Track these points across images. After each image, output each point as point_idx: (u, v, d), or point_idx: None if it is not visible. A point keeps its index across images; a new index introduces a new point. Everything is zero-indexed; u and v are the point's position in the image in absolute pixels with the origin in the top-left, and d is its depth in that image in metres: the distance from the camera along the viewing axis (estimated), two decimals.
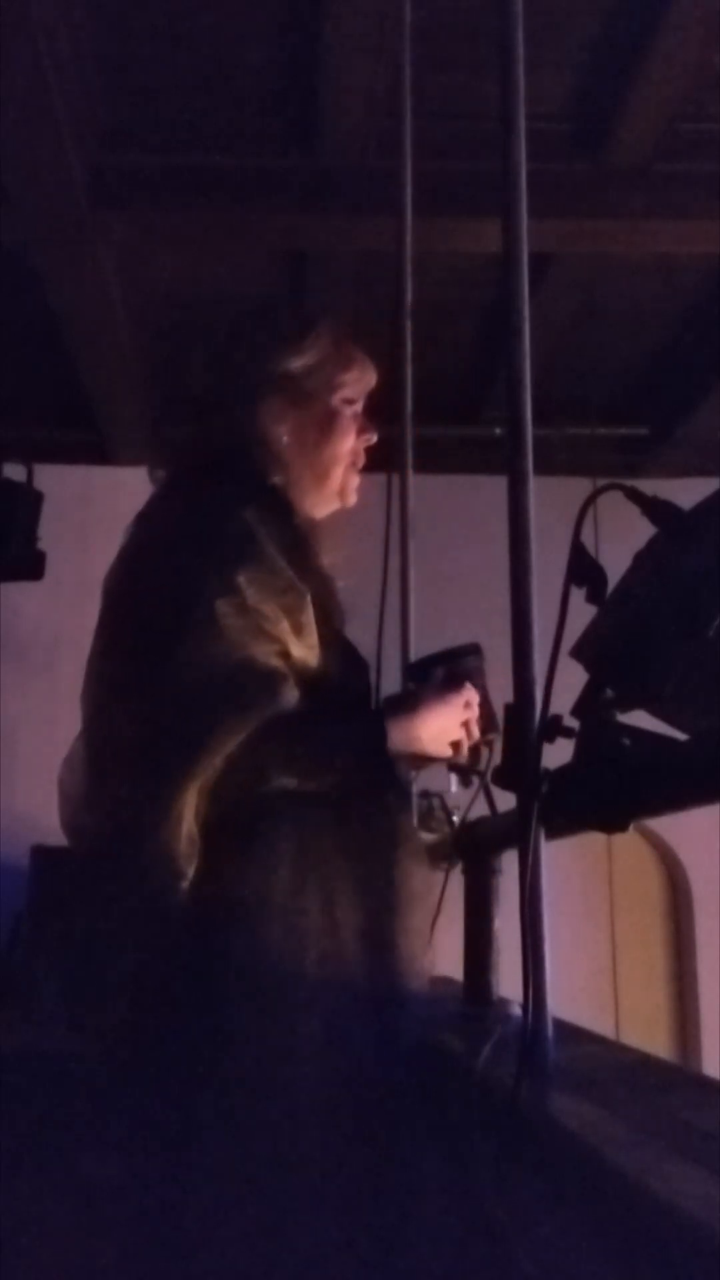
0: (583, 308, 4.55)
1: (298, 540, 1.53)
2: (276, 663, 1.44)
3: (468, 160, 3.24)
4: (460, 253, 3.77)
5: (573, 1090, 1.18)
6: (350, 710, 1.56)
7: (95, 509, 5.37)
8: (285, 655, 1.46)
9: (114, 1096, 1.36)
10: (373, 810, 1.48)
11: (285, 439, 1.61)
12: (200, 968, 1.36)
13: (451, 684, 1.53)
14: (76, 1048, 1.42)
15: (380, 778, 1.49)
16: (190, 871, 1.35)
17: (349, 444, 1.66)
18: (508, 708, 1.38)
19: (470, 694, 1.53)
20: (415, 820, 2.07)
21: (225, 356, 1.71)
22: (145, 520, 1.58)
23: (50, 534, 4.72)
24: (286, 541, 1.50)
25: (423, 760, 1.56)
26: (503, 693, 1.41)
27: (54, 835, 1.54)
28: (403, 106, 2.76)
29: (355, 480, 1.69)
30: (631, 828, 1.22)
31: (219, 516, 1.50)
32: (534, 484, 1.42)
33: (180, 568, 1.47)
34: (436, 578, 2.84)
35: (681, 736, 1.23)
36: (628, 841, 5.08)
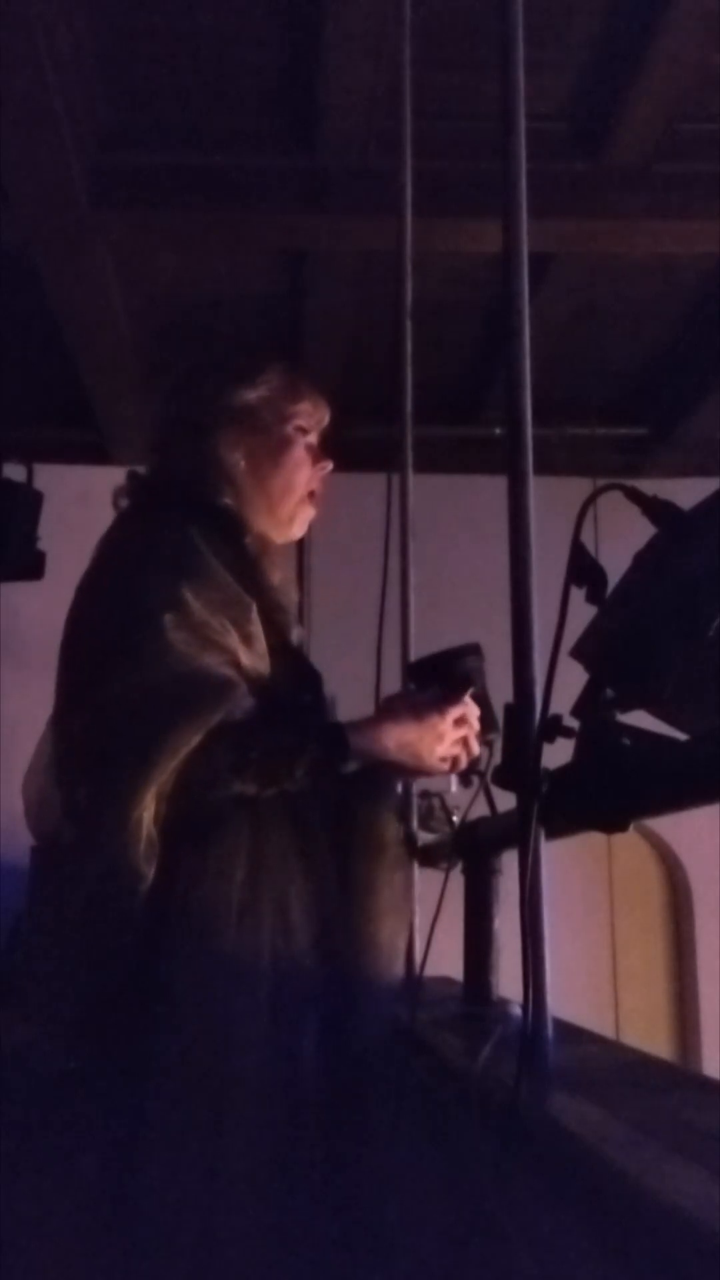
0: (583, 308, 4.55)
1: (244, 556, 1.59)
2: (228, 672, 1.48)
3: (468, 160, 3.25)
4: (460, 253, 3.77)
5: (573, 1090, 1.18)
6: (306, 717, 1.58)
7: (95, 509, 5.33)
8: (236, 665, 1.49)
9: (69, 1098, 1.38)
10: (332, 817, 1.50)
11: (241, 464, 1.67)
12: (153, 971, 1.38)
13: (445, 698, 1.54)
14: (55, 1046, 1.43)
15: (340, 784, 1.50)
16: (150, 874, 1.39)
17: (304, 473, 1.72)
18: (508, 708, 1.38)
19: (468, 709, 1.53)
20: (412, 825, 2.08)
21: (181, 391, 1.77)
22: (103, 541, 1.64)
23: (50, 534, 4.72)
24: (231, 557, 1.55)
25: (413, 771, 1.57)
26: (503, 693, 1.41)
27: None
28: (403, 106, 2.76)
29: (308, 513, 1.75)
30: (631, 828, 1.22)
31: (164, 534, 1.55)
32: (534, 484, 1.42)
33: (126, 585, 1.53)
34: (436, 578, 2.84)
35: (681, 736, 1.23)
36: (628, 841, 5.09)
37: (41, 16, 3.09)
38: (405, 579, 2.57)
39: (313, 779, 1.47)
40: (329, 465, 1.76)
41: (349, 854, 1.51)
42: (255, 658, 1.53)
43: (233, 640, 1.50)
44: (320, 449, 1.76)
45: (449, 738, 1.52)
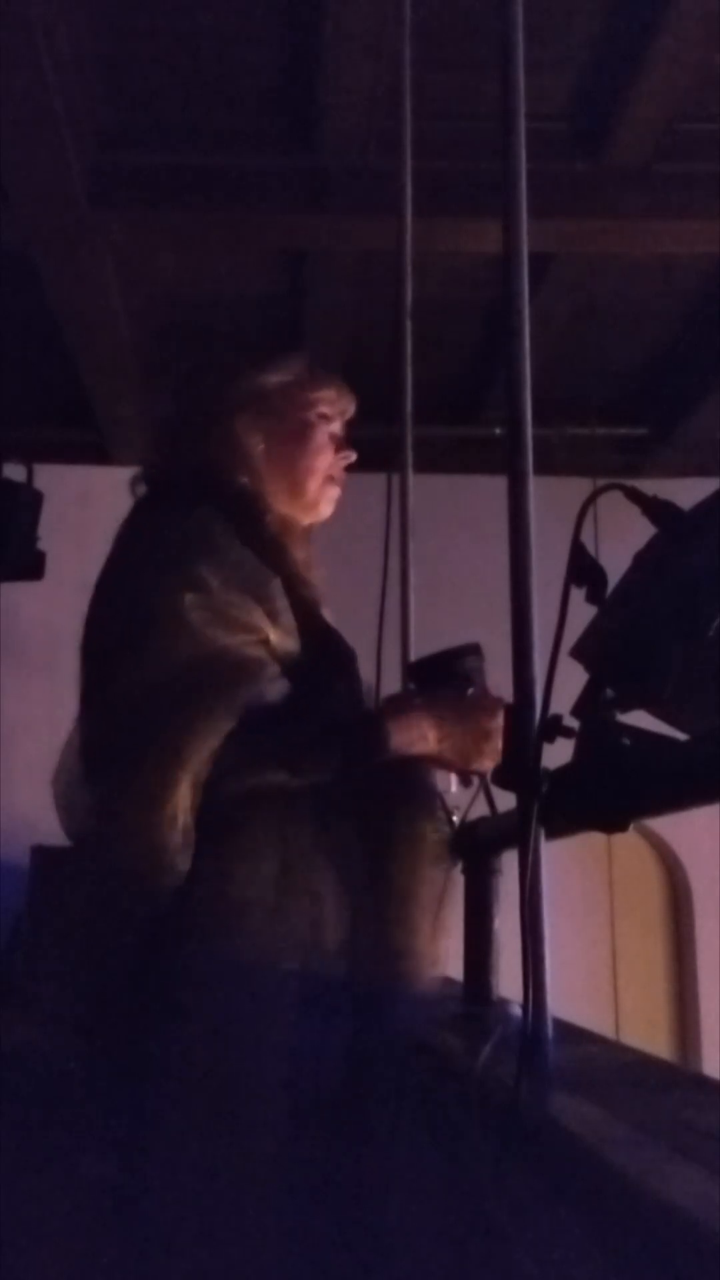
0: (583, 308, 4.55)
1: (263, 533, 1.55)
2: (255, 651, 1.44)
3: (468, 160, 3.25)
4: (460, 253, 3.77)
5: (573, 1090, 1.18)
6: (341, 704, 1.55)
7: (95, 509, 5.36)
8: (264, 643, 1.46)
9: (94, 1094, 1.37)
10: (376, 808, 1.47)
11: (260, 446, 1.65)
12: (178, 967, 1.36)
13: (487, 696, 1.52)
14: (72, 1046, 1.42)
15: (376, 776, 1.48)
16: (184, 866, 1.35)
17: (325, 459, 1.70)
18: (508, 708, 1.38)
19: (498, 710, 1.50)
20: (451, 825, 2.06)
21: (200, 377, 1.76)
22: (122, 528, 1.61)
23: (50, 534, 4.72)
24: (249, 534, 1.52)
25: (453, 768, 1.54)
26: (503, 693, 1.41)
27: (54, 835, 1.55)
28: (403, 106, 2.76)
29: (333, 493, 1.72)
30: (631, 828, 1.22)
31: (175, 517, 1.53)
32: (534, 484, 1.42)
33: (140, 571, 1.50)
34: (436, 578, 2.84)
35: (681, 736, 1.23)
36: (628, 841, 5.09)
37: (41, 16, 3.09)
38: (405, 579, 2.56)
39: (347, 770, 1.43)
40: (352, 455, 1.73)
41: (385, 854, 1.47)
42: (283, 635, 1.49)
43: (258, 618, 1.46)
44: (345, 438, 1.73)
45: (495, 736, 1.49)
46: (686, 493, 1.31)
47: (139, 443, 5.39)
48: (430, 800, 1.57)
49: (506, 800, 1.43)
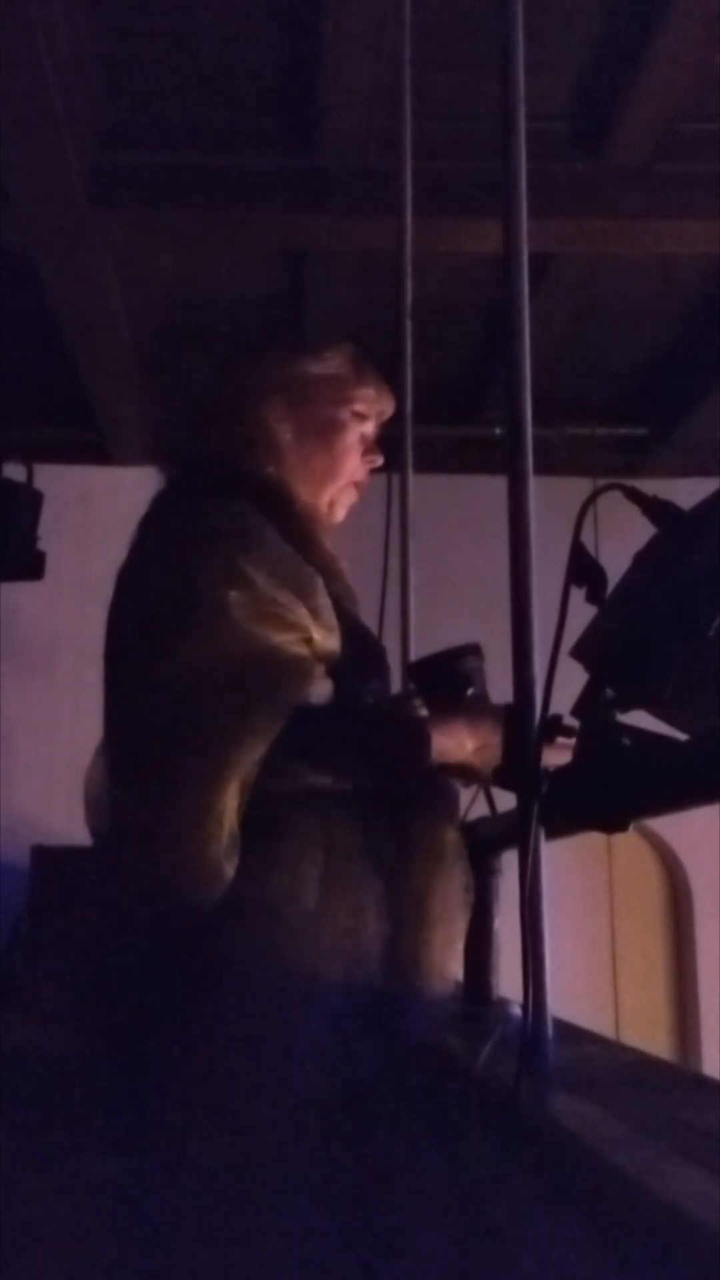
0: (583, 308, 4.55)
1: (297, 525, 1.50)
2: (301, 650, 1.40)
3: (468, 160, 3.25)
4: (460, 253, 3.78)
5: (573, 1090, 1.18)
6: (384, 706, 1.51)
7: (95, 509, 5.37)
8: (308, 641, 1.41)
9: (127, 1095, 1.32)
10: (403, 814, 1.44)
11: (288, 436, 1.58)
12: (214, 974, 1.31)
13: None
14: (79, 1047, 1.40)
15: (416, 782, 1.45)
16: (231, 871, 1.30)
17: (351, 462, 1.64)
18: (508, 708, 1.38)
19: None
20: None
21: (233, 357, 1.68)
22: (144, 522, 1.55)
23: (50, 534, 4.72)
24: (285, 527, 1.46)
25: (476, 776, 1.51)
26: (503, 693, 1.41)
27: (54, 835, 1.54)
28: (403, 106, 2.76)
29: (351, 497, 1.66)
30: (631, 828, 1.22)
31: (211, 507, 1.46)
32: (534, 484, 1.42)
33: (181, 563, 1.43)
34: (436, 578, 2.84)
35: (681, 736, 1.23)
36: (628, 841, 5.09)
37: (41, 16, 3.09)
38: (405, 579, 2.56)
39: (387, 774, 1.41)
40: (379, 459, 1.67)
41: (405, 858, 1.43)
42: (325, 633, 1.43)
43: (302, 616, 1.41)
44: (376, 441, 1.67)
45: (558, 753, 1.40)
46: (686, 493, 1.31)
47: (139, 443, 5.40)
48: (453, 804, 1.53)
49: (507, 800, 1.43)
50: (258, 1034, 1.31)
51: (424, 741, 1.43)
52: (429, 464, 2.84)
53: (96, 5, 3.31)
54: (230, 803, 1.31)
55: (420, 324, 2.65)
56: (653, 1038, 5.15)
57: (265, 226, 4.10)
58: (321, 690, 1.39)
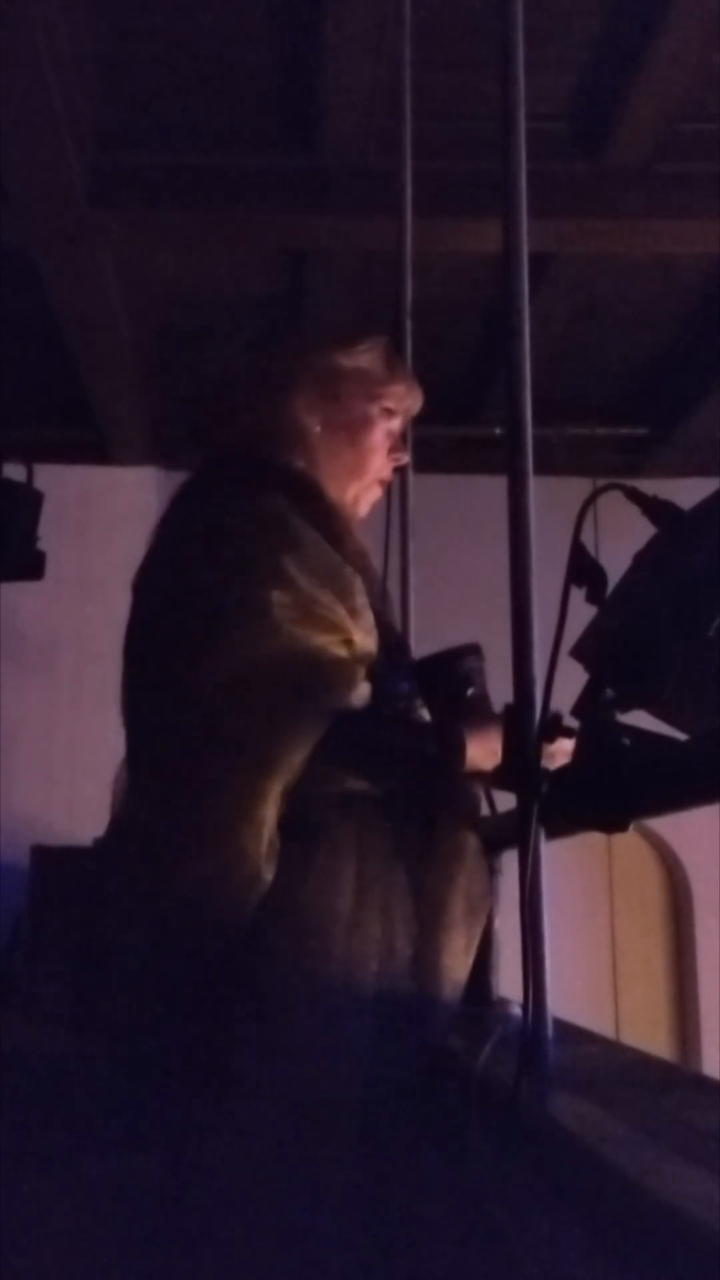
0: (583, 308, 4.55)
1: (329, 521, 1.46)
2: (342, 652, 1.37)
3: (468, 160, 3.25)
4: (460, 253, 3.77)
5: (573, 1090, 1.18)
6: (419, 712, 1.48)
7: (95, 509, 5.38)
8: (348, 643, 1.38)
9: (166, 1096, 1.29)
10: (429, 818, 1.42)
11: (316, 429, 1.55)
12: (248, 978, 1.29)
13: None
14: (85, 1047, 1.38)
15: (448, 789, 1.43)
16: (269, 876, 1.28)
17: (378, 459, 1.61)
18: (508, 708, 1.38)
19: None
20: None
21: (263, 346, 1.66)
22: (172, 514, 1.50)
23: (50, 534, 4.72)
24: (320, 524, 1.43)
25: (502, 783, 1.47)
26: (503, 693, 1.41)
27: (54, 835, 1.53)
28: (403, 106, 2.76)
29: (375, 495, 1.64)
30: (631, 828, 1.22)
31: (247, 501, 1.42)
32: (534, 484, 1.42)
33: (220, 559, 1.38)
34: (436, 578, 2.83)
35: (681, 736, 1.23)
36: (628, 841, 5.09)
37: (41, 16, 3.09)
38: (405, 579, 2.56)
39: (420, 780, 1.39)
40: (405, 457, 1.65)
41: (429, 863, 1.41)
42: (363, 634, 1.40)
43: (342, 616, 1.37)
44: (402, 438, 1.64)
45: (559, 758, 1.39)
46: (686, 493, 1.31)
47: (139, 443, 5.40)
48: (475, 808, 1.51)
49: (507, 800, 1.43)
50: (293, 1038, 1.28)
51: (461, 748, 1.41)
52: (429, 464, 2.83)
53: (96, 5, 3.31)
54: (271, 809, 1.28)
55: (420, 324, 2.64)
56: (653, 1038, 5.15)
57: (265, 226, 4.10)
58: (361, 693, 1.37)
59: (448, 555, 4.00)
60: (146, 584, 1.47)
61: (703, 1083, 1.39)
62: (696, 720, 1.22)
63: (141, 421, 5.26)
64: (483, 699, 1.57)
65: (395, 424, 1.63)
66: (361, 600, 1.41)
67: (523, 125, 1.53)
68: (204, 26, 3.43)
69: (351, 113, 3.56)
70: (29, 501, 4.69)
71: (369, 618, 1.42)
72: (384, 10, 3.00)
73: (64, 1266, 1.45)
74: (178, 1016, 1.30)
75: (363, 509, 1.64)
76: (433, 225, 3.06)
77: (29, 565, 4.68)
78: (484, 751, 1.42)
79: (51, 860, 4.30)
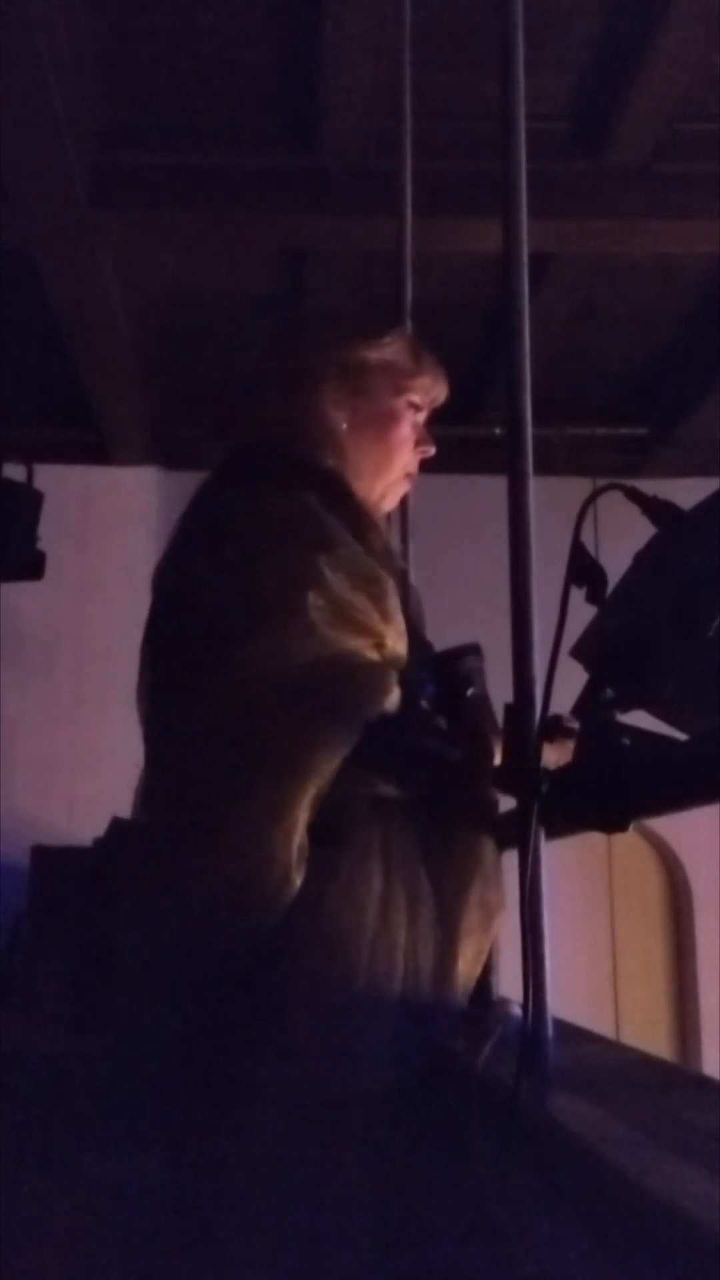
0: (583, 308, 4.55)
1: (361, 521, 1.43)
2: (376, 656, 1.35)
3: (468, 160, 3.25)
4: (460, 253, 3.77)
5: (573, 1090, 1.18)
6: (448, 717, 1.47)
7: (95, 509, 5.38)
8: (380, 646, 1.36)
9: (193, 1102, 1.27)
10: (452, 826, 1.41)
11: (343, 425, 1.52)
12: (269, 984, 1.27)
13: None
14: (85, 1047, 1.38)
15: (468, 794, 1.42)
16: (298, 882, 1.26)
17: (405, 454, 1.60)
18: (508, 708, 1.38)
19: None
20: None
21: (289, 340, 1.65)
22: (198, 510, 1.46)
23: (50, 534, 4.72)
24: (351, 523, 1.40)
25: None
26: (503, 693, 1.41)
27: (54, 835, 1.53)
28: (403, 106, 2.76)
29: (402, 488, 1.63)
30: (631, 828, 1.22)
31: (280, 501, 1.39)
32: (534, 484, 1.42)
33: (254, 559, 1.36)
34: (436, 578, 2.83)
35: (681, 736, 1.23)
36: (628, 841, 5.09)
37: (41, 16, 3.09)
38: (405, 579, 2.56)
39: (444, 785, 1.37)
40: (431, 449, 1.62)
41: (448, 868, 1.39)
42: (395, 637, 1.38)
43: (375, 620, 1.35)
44: (427, 428, 1.62)
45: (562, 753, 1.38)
46: (686, 493, 1.31)
47: (139, 443, 5.40)
48: (492, 814, 1.49)
49: (506, 800, 1.42)
50: (313, 1041, 1.27)
51: (489, 754, 1.41)
52: (429, 464, 2.83)
53: (96, 5, 3.31)
54: (302, 814, 1.26)
55: (420, 324, 2.64)
56: (653, 1038, 5.15)
57: (265, 226, 4.10)
58: (392, 698, 1.35)
59: (448, 555, 3.99)
60: (172, 581, 1.44)
61: (703, 1083, 1.39)
62: (696, 720, 1.22)
63: (141, 421, 5.26)
64: (483, 699, 1.57)
65: (421, 417, 1.61)
66: (393, 602, 1.39)
67: (523, 125, 1.53)
68: (204, 26, 3.43)
69: (351, 113, 3.57)
70: (29, 501, 4.69)
71: (400, 620, 1.40)
72: (384, 10, 3.00)
73: (64, 1267, 1.45)
74: (200, 1017, 1.28)
75: (389, 504, 1.63)
76: (433, 225, 3.06)
77: (29, 565, 4.68)
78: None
79: (51, 860, 4.30)
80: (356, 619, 1.34)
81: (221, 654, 1.32)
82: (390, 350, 1.58)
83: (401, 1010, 1.31)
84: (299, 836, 1.26)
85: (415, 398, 1.60)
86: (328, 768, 1.28)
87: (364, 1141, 1.27)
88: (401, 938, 1.33)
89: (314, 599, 1.30)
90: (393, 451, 1.58)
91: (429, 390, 1.62)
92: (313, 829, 1.29)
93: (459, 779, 1.38)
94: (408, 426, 1.59)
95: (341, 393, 1.53)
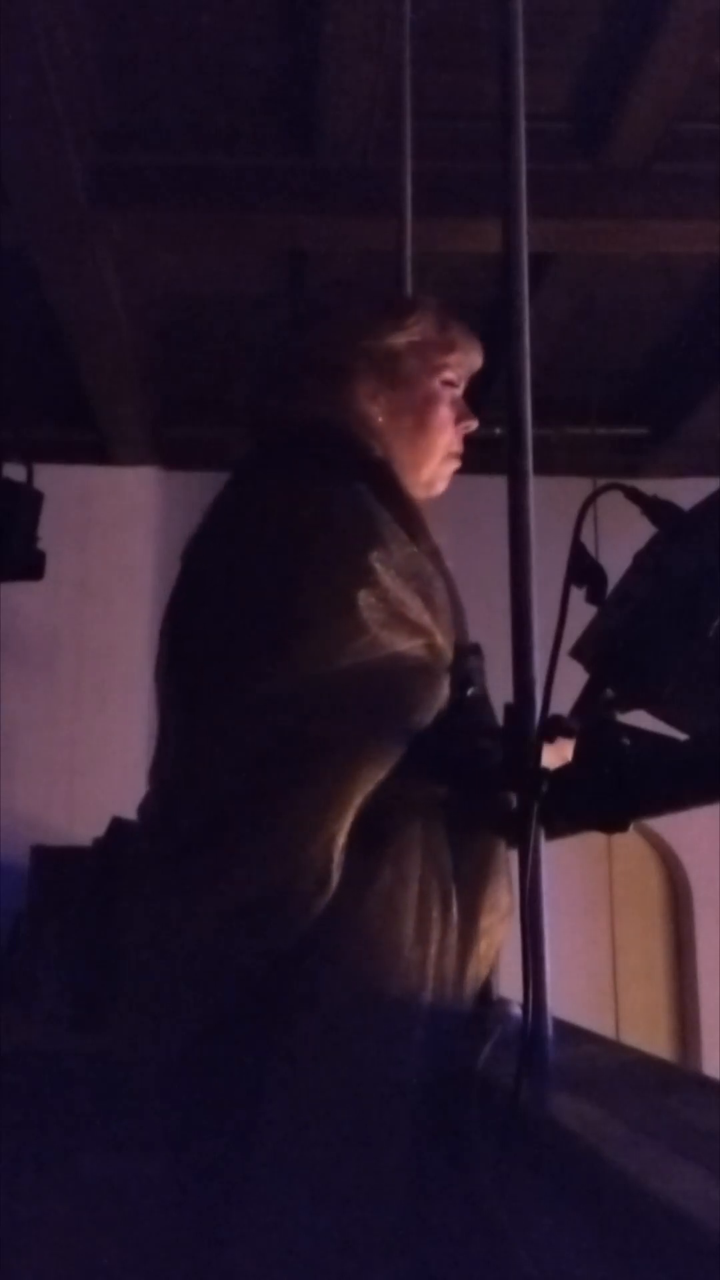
0: (583, 308, 4.55)
1: (410, 517, 1.39)
2: (427, 657, 1.31)
3: (468, 160, 3.25)
4: (460, 253, 3.77)
5: (573, 1090, 1.18)
6: (488, 720, 1.44)
7: (95, 509, 5.37)
8: (430, 647, 1.32)
9: (228, 1105, 1.25)
10: (475, 829, 1.39)
11: (380, 418, 1.48)
12: (302, 986, 1.25)
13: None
14: (85, 1047, 1.37)
15: (492, 798, 1.39)
16: (334, 884, 1.23)
17: (447, 435, 1.55)
18: (508, 708, 1.38)
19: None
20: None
21: (316, 328, 1.57)
22: (238, 500, 1.41)
23: (50, 534, 4.72)
24: (402, 518, 1.36)
25: None
26: (503, 693, 1.41)
27: (54, 835, 1.53)
28: (403, 106, 2.76)
29: (452, 468, 1.58)
30: (631, 828, 1.22)
31: (329, 494, 1.33)
32: (534, 484, 1.42)
33: (302, 555, 1.30)
34: None
35: (681, 736, 1.23)
36: (628, 841, 5.09)
37: (41, 16, 3.08)
38: None
39: (484, 788, 1.35)
40: (474, 423, 1.56)
41: (469, 871, 1.38)
42: (444, 637, 1.33)
43: (426, 620, 1.31)
44: (466, 400, 1.56)
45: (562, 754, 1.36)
46: (686, 493, 1.31)
47: (139, 442, 5.39)
48: (508, 817, 1.47)
49: None
50: (348, 1043, 1.25)
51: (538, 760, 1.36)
52: None
53: (96, 5, 3.30)
54: (347, 820, 1.24)
55: None
56: (653, 1038, 5.15)
57: (265, 226, 4.10)
58: (442, 700, 1.32)
59: (448, 555, 4.00)
60: (207, 574, 1.38)
61: (703, 1083, 1.39)
62: (696, 720, 1.22)
63: (141, 421, 5.25)
64: (483, 699, 1.57)
65: (458, 391, 1.56)
66: (442, 600, 1.36)
67: (523, 125, 1.53)
68: (204, 26, 3.43)
69: (351, 113, 3.56)
70: (29, 501, 4.69)
71: (448, 620, 1.36)
72: (384, 10, 3.00)
73: (64, 1267, 1.45)
74: (232, 1019, 1.26)
75: (440, 488, 1.58)
76: (433, 225, 3.06)
77: (29, 565, 4.67)
78: (550, 759, 1.35)
79: (51, 860, 4.30)
80: (409, 618, 1.30)
81: (268, 655, 1.27)
82: (418, 329, 1.52)
83: (429, 1013, 1.29)
84: (341, 840, 1.23)
85: (450, 374, 1.54)
86: (374, 778, 1.25)
87: (393, 1145, 1.26)
88: (434, 944, 1.31)
89: (365, 597, 1.26)
90: (434, 437, 1.53)
91: (463, 363, 1.55)
92: (354, 832, 1.26)
93: (496, 782, 1.35)
94: (446, 407, 1.54)
95: (375, 384, 1.49)
